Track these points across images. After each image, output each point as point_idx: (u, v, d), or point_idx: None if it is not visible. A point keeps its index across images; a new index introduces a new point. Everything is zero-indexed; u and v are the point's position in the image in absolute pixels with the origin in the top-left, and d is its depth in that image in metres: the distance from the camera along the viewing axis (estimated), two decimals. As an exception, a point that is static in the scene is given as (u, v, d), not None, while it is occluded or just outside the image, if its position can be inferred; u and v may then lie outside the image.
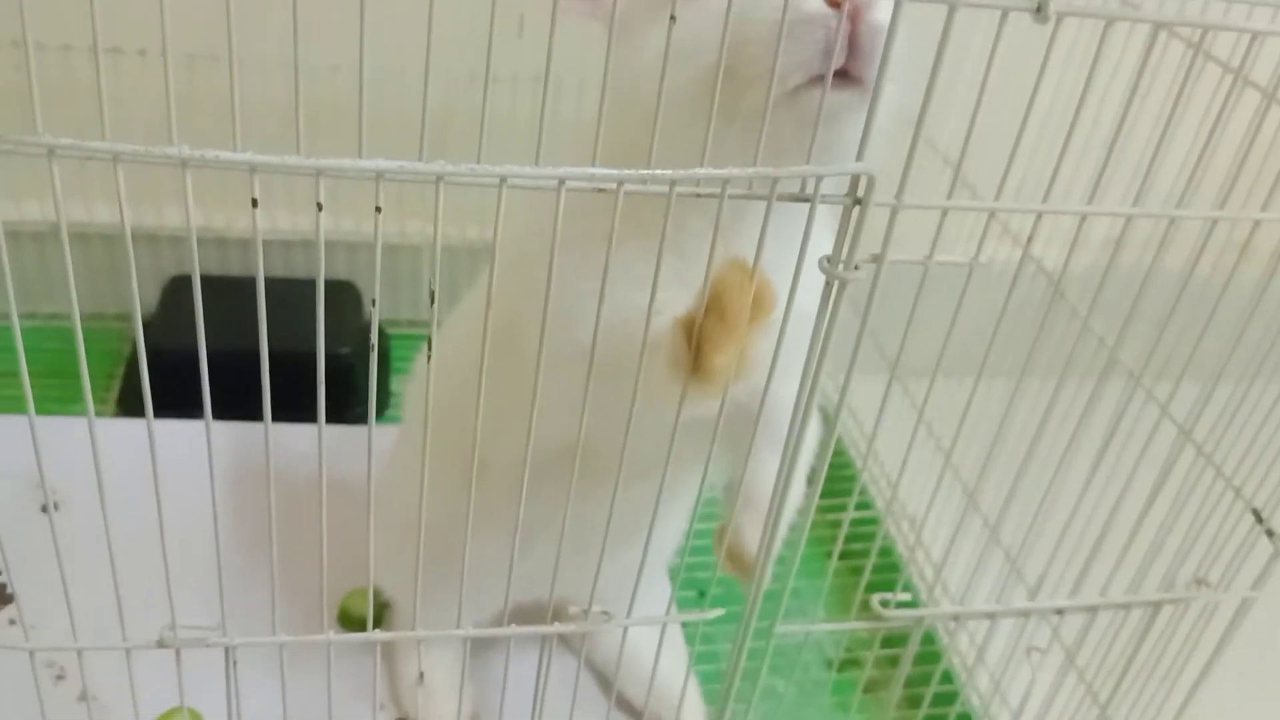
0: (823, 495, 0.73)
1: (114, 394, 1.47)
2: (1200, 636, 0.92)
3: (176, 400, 0.78)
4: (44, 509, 1.19)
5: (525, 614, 0.80)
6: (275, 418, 0.61)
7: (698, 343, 0.65)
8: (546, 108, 0.55)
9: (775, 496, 0.71)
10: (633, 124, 0.60)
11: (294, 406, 0.72)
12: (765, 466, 0.72)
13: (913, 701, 1.16)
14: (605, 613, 0.76)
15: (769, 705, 1.18)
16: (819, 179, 0.59)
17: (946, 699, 1.13)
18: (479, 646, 1.08)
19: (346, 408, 1.45)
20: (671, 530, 1.04)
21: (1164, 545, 0.87)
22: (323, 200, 0.54)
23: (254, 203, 0.53)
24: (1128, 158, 0.69)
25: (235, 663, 0.71)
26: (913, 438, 0.81)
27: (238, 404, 0.77)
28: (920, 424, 0.82)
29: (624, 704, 1.10)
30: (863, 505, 1.44)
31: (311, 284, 0.56)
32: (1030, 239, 0.69)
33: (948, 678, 1.19)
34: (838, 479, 1.50)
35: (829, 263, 0.61)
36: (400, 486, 0.86)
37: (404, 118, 0.98)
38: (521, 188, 0.56)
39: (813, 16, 0.62)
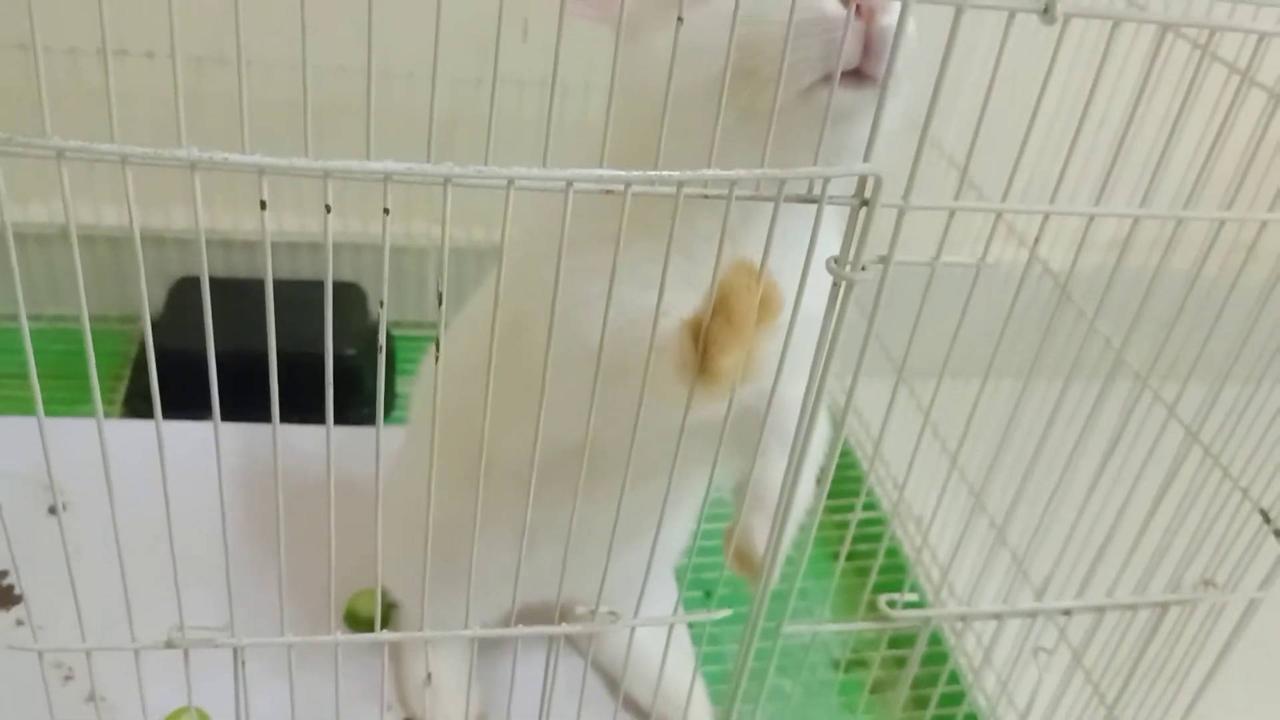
0: (829, 496, 0.73)
1: (120, 395, 1.47)
2: (1207, 637, 0.92)
3: (182, 402, 0.79)
4: (52, 510, 1.20)
5: (532, 615, 0.80)
6: (281, 419, 0.62)
7: (705, 344, 0.65)
8: (552, 111, 0.55)
9: (782, 497, 0.71)
10: (641, 125, 0.60)
11: (299, 408, 0.73)
12: (774, 467, 0.72)
13: (919, 702, 1.16)
14: (612, 613, 0.76)
15: (776, 706, 1.18)
16: (826, 180, 0.59)
17: (953, 699, 1.13)
18: (486, 647, 1.08)
19: (353, 409, 1.45)
20: (678, 531, 1.04)
21: (1171, 546, 0.87)
22: (330, 202, 0.54)
23: (262, 205, 0.53)
24: (1134, 159, 0.69)
25: (243, 663, 0.71)
26: (919, 439, 0.81)
27: (243, 405, 0.78)
28: (926, 425, 0.82)
29: (631, 704, 1.10)
30: (869, 506, 1.44)
31: (317, 285, 0.56)
32: (1037, 240, 0.69)
33: (954, 678, 1.19)
34: (844, 480, 1.50)
35: (836, 264, 0.61)
36: (407, 488, 0.87)
37: (411, 120, 0.98)
38: (529, 189, 0.56)
39: (831, 18, 0.62)
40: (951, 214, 0.65)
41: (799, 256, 0.61)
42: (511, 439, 0.70)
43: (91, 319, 0.56)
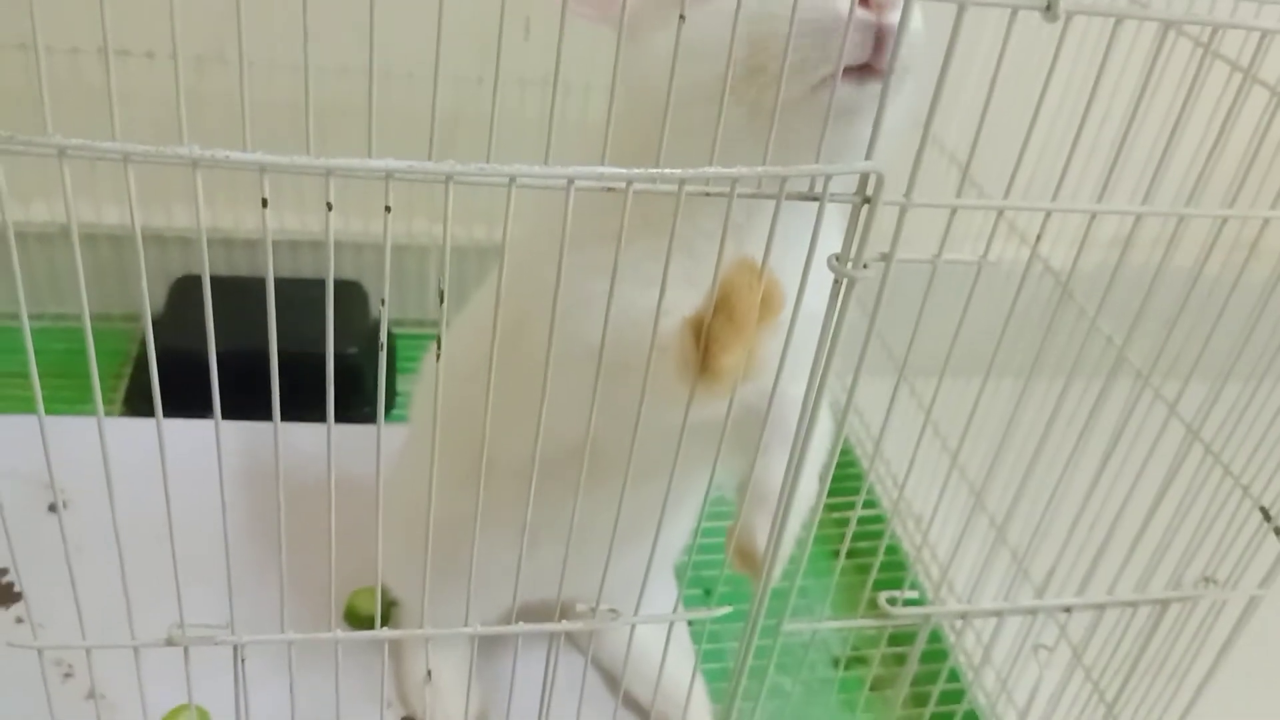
0: (830, 494, 0.73)
1: (120, 394, 1.47)
2: (1208, 635, 0.92)
3: (183, 400, 0.79)
4: (52, 508, 1.20)
5: (532, 613, 0.80)
6: (283, 417, 0.62)
7: (706, 343, 0.65)
8: (554, 109, 0.55)
9: (783, 494, 0.71)
10: (643, 124, 0.60)
11: (301, 406, 0.73)
12: (776, 465, 0.72)
13: (919, 700, 1.16)
14: (613, 611, 0.76)
15: (776, 703, 1.18)
16: (828, 178, 0.59)
17: (953, 697, 1.13)
18: (486, 645, 1.08)
19: (354, 407, 1.45)
20: (679, 530, 1.04)
21: (1172, 543, 0.87)
22: (332, 200, 0.54)
23: (264, 203, 0.53)
24: (1135, 156, 0.69)
25: (243, 661, 0.71)
26: (920, 437, 0.81)
27: (244, 404, 0.78)
28: (927, 424, 0.82)
29: (631, 702, 1.10)
30: (869, 504, 1.44)
31: (318, 284, 0.56)
32: (1039, 238, 0.69)
33: (954, 676, 1.19)
34: (844, 478, 1.50)
35: (838, 261, 0.61)
36: (408, 486, 0.87)
37: (412, 119, 0.98)
38: (530, 187, 0.56)
39: (841, 13, 0.62)
40: (953, 211, 0.65)
41: (801, 255, 0.61)
42: (513, 438, 0.70)
43: (93, 318, 0.56)
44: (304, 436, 0.70)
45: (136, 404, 1.45)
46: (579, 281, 0.68)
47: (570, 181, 0.56)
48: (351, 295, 1.59)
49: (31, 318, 0.56)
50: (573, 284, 0.61)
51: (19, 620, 1.11)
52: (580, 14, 0.73)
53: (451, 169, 0.54)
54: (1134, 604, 0.89)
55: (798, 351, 0.65)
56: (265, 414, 0.60)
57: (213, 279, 0.56)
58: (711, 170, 0.57)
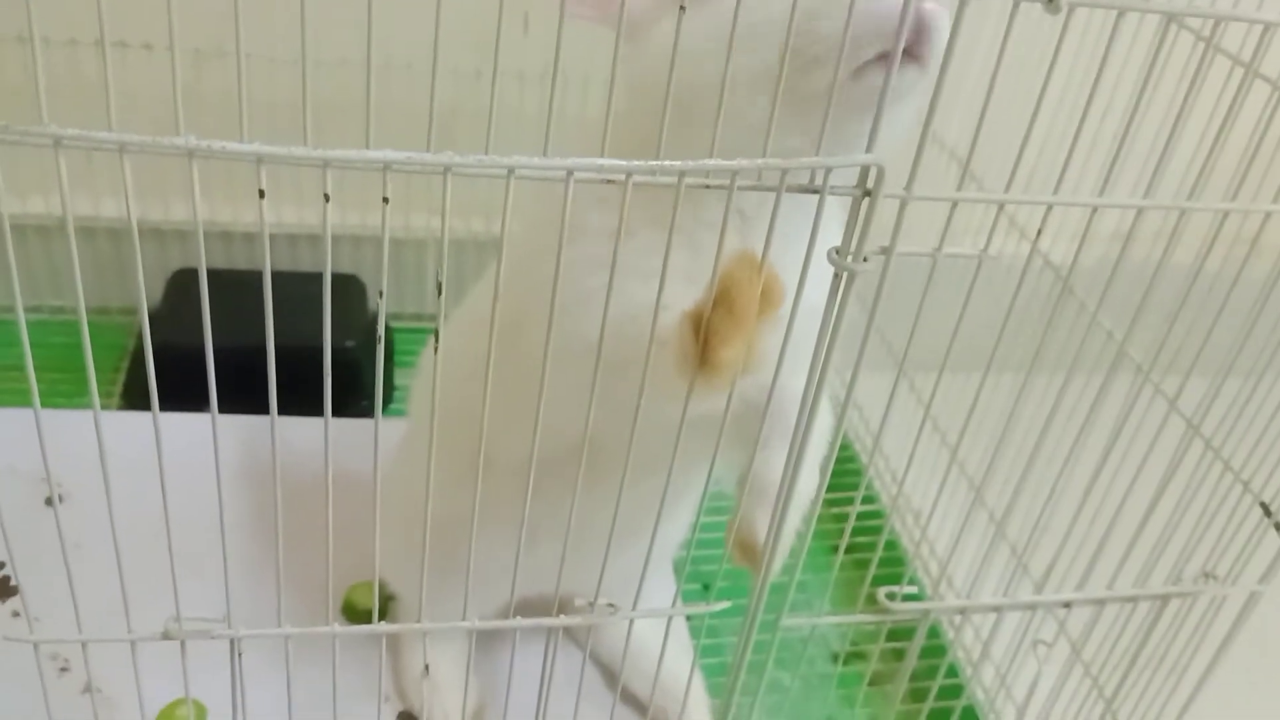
0: (829, 489, 0.73)
1: (119, 387, 1.47)
2: (1207, 630, 0.92)
3: (181, 394, 0.78)
4: (48, 501, 1.19)
5: (531, 607, 0.80)
6: (280, 411, 0.61)
7: (705, 336, 0.65)
8: (553, 102, 0.55)
9: (783, 487, 0.71)
10: (647, 121, 0.60)
11: (299, 400, 0.72)
12: (776, 457, 0.72)
13: (918, 695, 1.16)
14: (611, 605, 0.76)
15: (774, 698, 1.18)
16: (828, 170, 0.59)
17: (952, 692, 1.13)
18: (484, 640, 1.08)
19: (352, 401, 1.45)
20: (678, 525, 1.03)
21: (1171, 539, 0.87)
22: (329, 191, 0.54)
23: (261, 194, 0.53)
24: (1137, 150, 0.69)
25: (240, 654, 0.71)
26: (919, 432, 0.81)
27: (242, 398, 0.77)
28: (927, 419, 0.82)
29: (629, 697, 1.10)
30: (868, 499, 1.44)
31: (316, 278, 0.56)
32: (1039, 233, 0.69)
33: (953, 671, 1.19)
34: (844, 473, 1.50)
35: (838, 254, 0.61)
36: (406, 481, 0.86)
37: (411, 113, 0.98)
38: (529, 178, 0.56)
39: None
40: (954, 205, 0.64)
41: (802, 249, 0.61)
42: (511, 435, 0.70)
43: (92, 311, 0.56)
44: (302, 431, 0.70)
45: (135, 398, 1.45)
46: (579, 277, 0.67)
47: (569, 173, 0.56)
48: (349, 289, 1.59)
49: (30, 311, 0.56)
50: (573, 280, 0.61)
51: (15, 614, 1.10)
52: (579, 16, 0.73)
53: (450, 160, 0.54)
54: (1133, 599, 0.89)
55: (798, 346, 0.64)
56: (263, 408, 0.60)
57: (210, 273, 0.56)
58: (711, 163, 0.57)
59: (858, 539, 1.31)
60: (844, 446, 1.55)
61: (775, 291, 0.64)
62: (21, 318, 0.57)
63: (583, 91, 1.44)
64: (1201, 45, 0.69)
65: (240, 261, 1.59)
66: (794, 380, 0.66)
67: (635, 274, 0.65)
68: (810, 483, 0.72)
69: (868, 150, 0.58)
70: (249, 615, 0.69)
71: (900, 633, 1.12)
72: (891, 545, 1.38)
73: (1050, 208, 0.66)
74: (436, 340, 0.61)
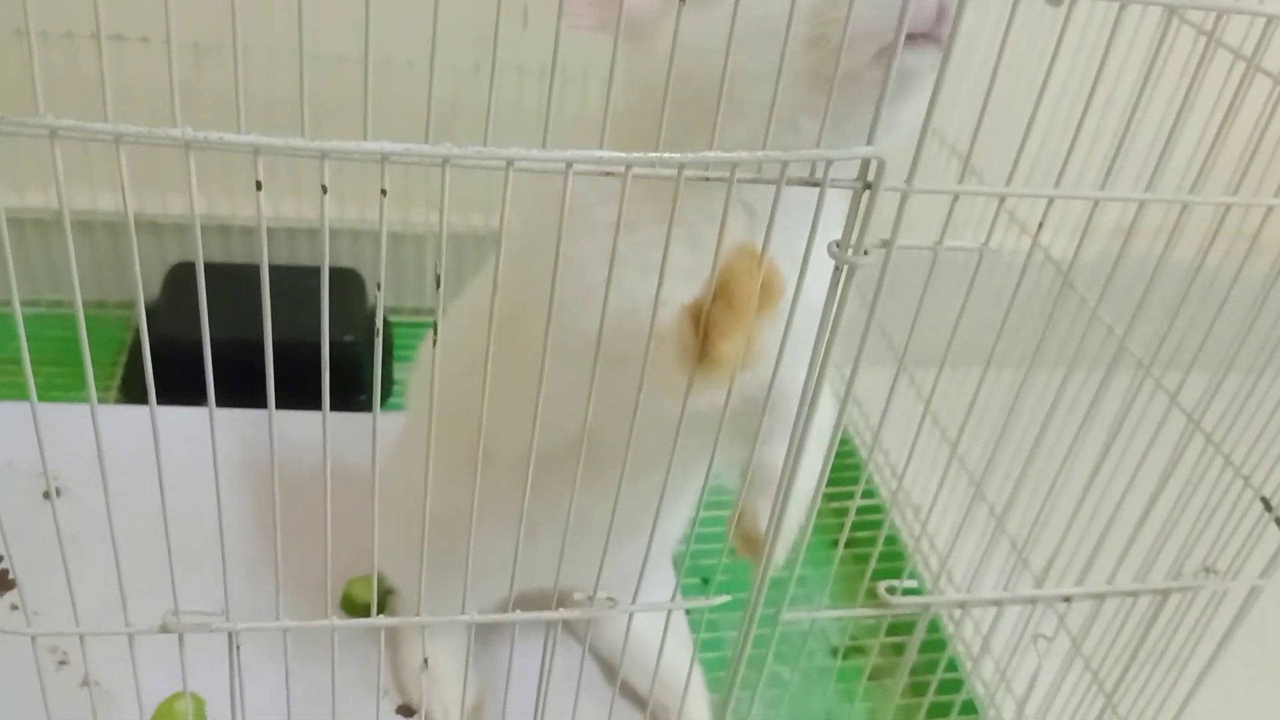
0: (829, 484, 0.73)
1: (117, 381, 1.47)
2: (1208, 625, 0.92)
3: (179, 388, 0.78)
4: (46, 495, 1.19)
5: (530, 602, 0.80)
6: (278, 405, 0.61)
7: (705, 329, 0.65)
8: (553, 94, 0.55)
9: (783, 478, 0.70)
10: (651, 120, 0.59)
11: (297, 394, 0.72)
12: (778, 449, 0.72)
13: (918, 689, 1.16)
14: (610, 599, 0.76)
15: (774, 693, 1.17)
16: (829, 162, 0.59)
17: (951, 687, 1.13)
18: (483, 633, 1.08)
19: (351, 395, 1.45)
20: (677, 519, 1.03)
21: (1172, 533, 0.86)
22: (326, 183, 0.53)
23: (258, 185, 0.53)
24: (1138, 145, 0.69)
25: (238, 648, 0.71)
26: (919, 427, 0.80)
27: (241, 391, 0.77)
28: (927, 413, 0.82)
29: (628, 691, 1.10)
30: (868, 494, 1.44)
31: (315, 272, 0.56)
32: (1040, 227, 0.69)
33: (953, 665, 1.19)
34: (843, 468, 1.50)
35: (838, 248, 0.61)
36: (404, 475, 0.86)
37: (410, 110, 0.97)
38: (528, 170, 0.55)
39: None
40: (955, 198, 0.64)
41: (803, 243, 0.61)
42: (510, 429, 0.70)
43: (90, 305, 0.56)
44: (300, 425, 0.70)
45: (133, 392, 1.44)
46: (583, 273, 0.67)
47: (568, 165, 0.56)
48: (348, 283, 1.58)
49: (28, 305, 0.56)
50: (576, 275, 0.61)
51: (13, 607, 1.10)
52: (578, 26, 0.73)
53: (448, 151, 0.54)
54: (1134, 594, 0.89)
55: (798, 340, 0.64)
56: (261, 402, 0.60)
57: (208, 266, 0.56)
58: (711, 155, 0.57)
59: (858, 533, 1.31)
60: (844, 441, 1.55)
61: (775, 285, 0.64)
62: (19, 311, 0.56)
63: (582, 86, 1.44)
64: (1203, 39, 0.68)
65: (238, 255, 1.58)
66: (794, 375, 0.66)
67: (636, 268, 0.65)
68: (812, 472, 0.72)
69: (868, 142, 0.58)
70: (247, 609, 0.69)
71: (900, 627, 1.12)
72: (891, 540, 1.38)
73: (1051, 201, 0.66)
74: (435, 334, 0.61)
